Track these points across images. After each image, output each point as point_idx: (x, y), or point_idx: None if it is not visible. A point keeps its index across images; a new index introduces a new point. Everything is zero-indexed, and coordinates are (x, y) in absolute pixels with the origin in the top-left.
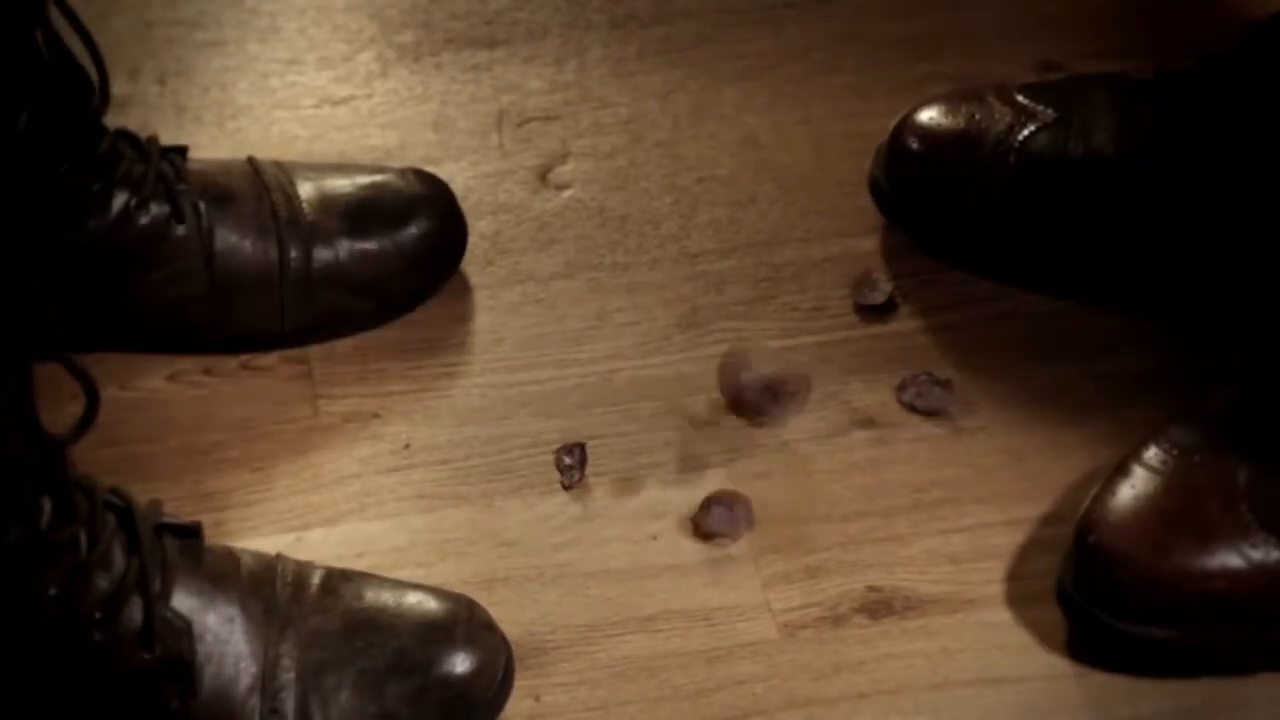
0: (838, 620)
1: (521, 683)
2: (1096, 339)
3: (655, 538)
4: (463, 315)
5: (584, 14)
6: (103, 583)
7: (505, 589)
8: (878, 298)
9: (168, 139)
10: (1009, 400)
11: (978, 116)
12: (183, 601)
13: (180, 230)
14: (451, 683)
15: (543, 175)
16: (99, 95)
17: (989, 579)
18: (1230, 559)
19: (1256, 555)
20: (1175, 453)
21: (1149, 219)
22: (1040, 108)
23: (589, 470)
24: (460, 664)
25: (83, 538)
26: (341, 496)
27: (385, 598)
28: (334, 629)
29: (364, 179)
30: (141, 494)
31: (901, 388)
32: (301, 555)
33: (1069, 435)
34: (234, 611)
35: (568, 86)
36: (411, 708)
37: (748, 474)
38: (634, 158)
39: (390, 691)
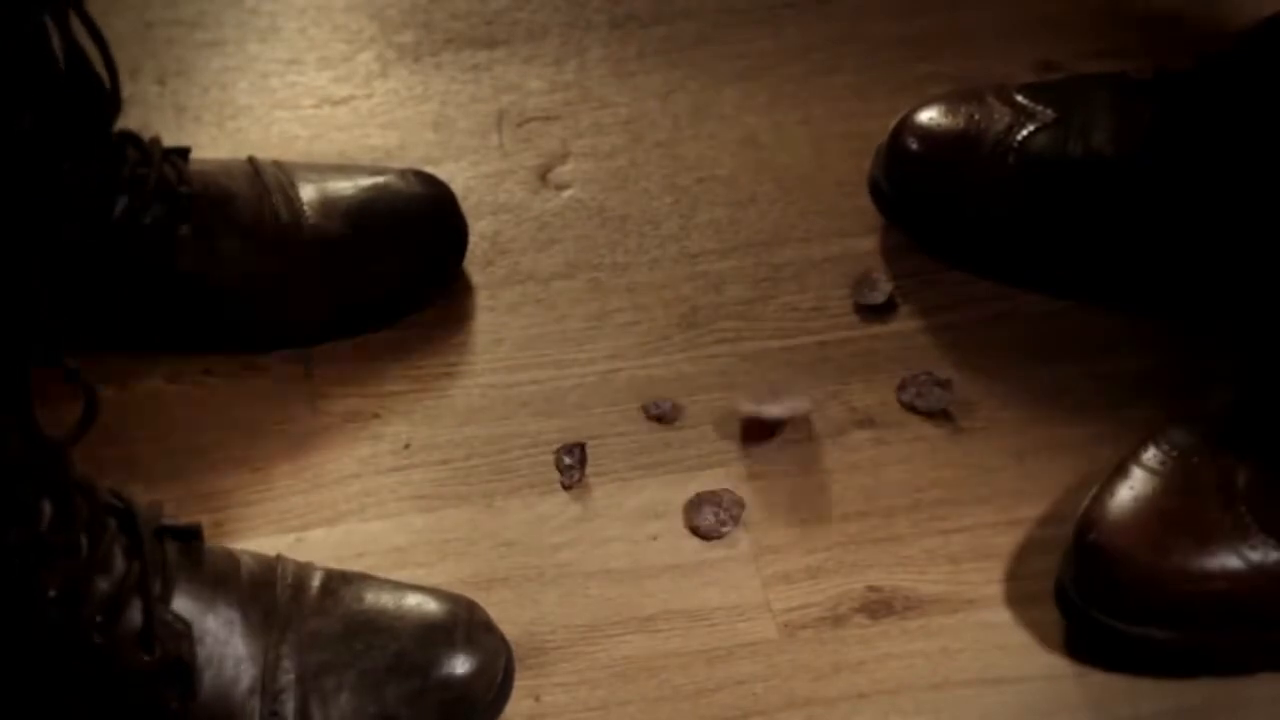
0: (838, 620)
1: (521, 683)
2: (1096, 339)
3: (655, 538)
4: (463, 315)
5: (584, 14)
6: (103, 585)
7: (505, 589)
8: (878, 298)
9: (168, 139)
10: (1009, 400)
11: (977, 117)
12: (183, 604)
13: (182, 232)
14: (451, 684)
15: (543, 175)
16: (109, 99)
17: (989, 579)
18: (1229, 560)
19: (1255, 556)
20: (1174, 454)
21: (1149, 219)
22: (1039, 108)
23: (589, 470)
24: (460, 665)
25: (83, 540)
26: (341, 496)
27: (385, 599)
28: (334, 631)
29: (365, 180)
30: (141, 494)
31: (901, 388)
32: (301, 555)
33: (1069, 435)
34: (234, 614)
35: (568, 86)
36: (411, 709)
37: (747, 474)
38: (634, 158)
39: (390, 693)
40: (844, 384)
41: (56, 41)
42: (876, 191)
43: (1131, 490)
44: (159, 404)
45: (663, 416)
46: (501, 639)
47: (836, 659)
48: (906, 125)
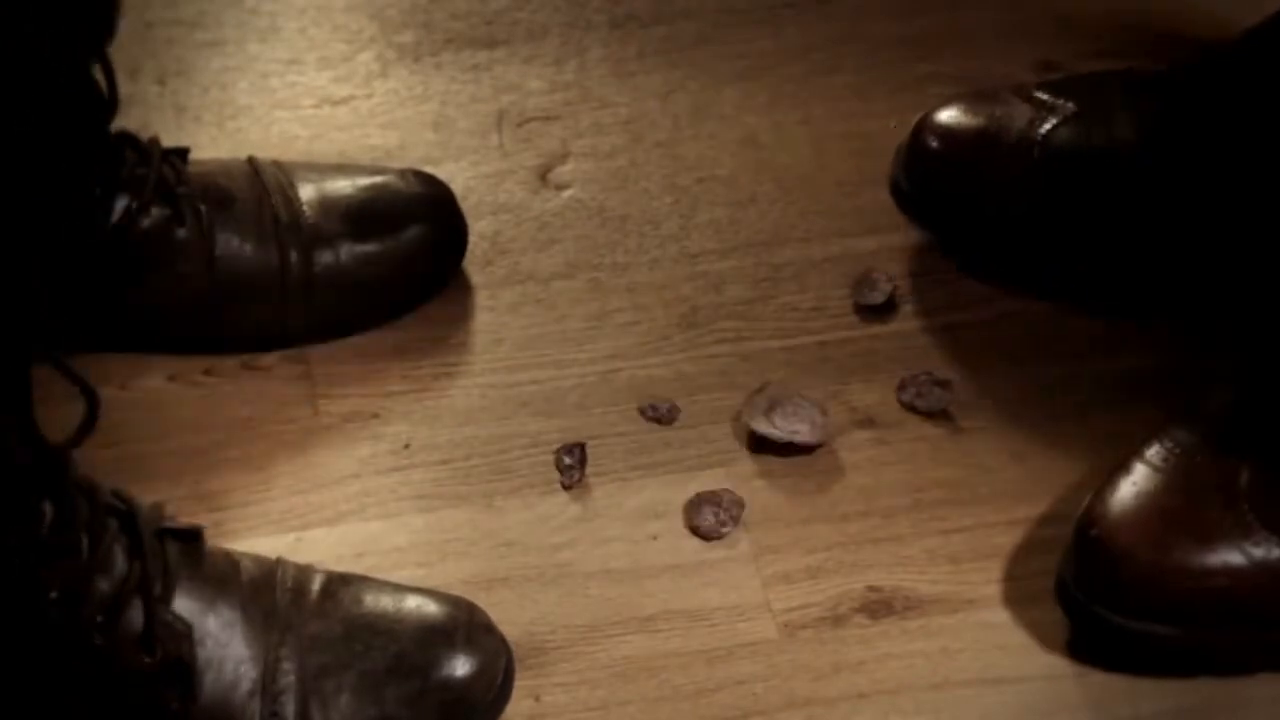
0: (838, 620)
1: (521, 683)
2: (1097, 339)
3: (655, 538)
4: (463, 315)
5: (584, 14)
6: (104, 586)
7: (505, 589)
8: (878, 298)
9: (168, 139)
10: (1009, 400)
11: (998, 114)
12: (184, 605)
13: (181, 233)
14: (451, 685)
15: (543, 175)
16: (107, 101)
17: (989, 579)
18: (1231, 557)
19: (1258, 553)
20: (1177, 451)
21: (1171, 211)
22: (1060, 101)
23: (589, 470)
24: (460, 667)
25: (84, 541)
26: (341, 496)
27: (385, 601)
28: (334, 633)
29: (364, 180)
30: (142, 494)
31: (901, 388)
32: (301, 555)
33: (1069, 435)
34: (234, 616)
35: (568, 86)
36: (412, 710)
37: (747, 474)
38: (634, 158)
39: (390, 695)
40: (844, 384)
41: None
42: (897, 191)
43: (1134, 487)
44: (159, 404)
45: (662, 417)
46: (501, 640)
47: (836, 659)
48: (927, 124)
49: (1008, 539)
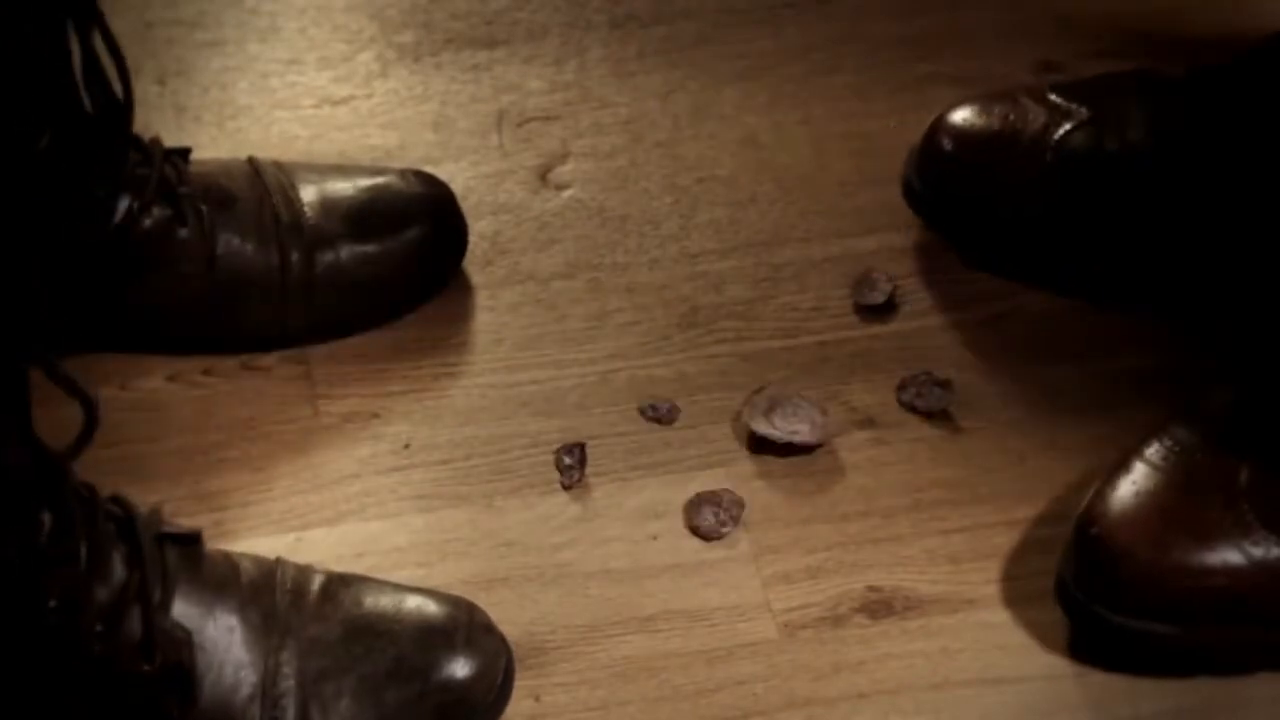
0: (838, 620)
1: (521, 683)
2: (1096, 339)
3: (655, 538)
4: (463, 315)
5: (584, 14)
6: (103, 594)
7: (505, 589)
8: (878, 298)
9: (168, 139)
10: (1009, 400)
11: (1011, 116)
12: (183, 611)
13: (183, 233)
14: (452, 687)
15: (543, 175)
16: (123, 109)
17: (989, 579)
18: (1231, 556)
19: (1258, 553)
20: (1177, 450)
21: (1183, 216)
22: (1074, 105)
23: (589, 470)
24: (460, 668)
25: (82, 548)
26: (341, 496)
27: (385, 603)
28: (334, 636)
29: (365, 181)
30: (141, 494)
31: (901, 388)
32: (301, 555)
33: (1069, 435)
34: (234, 620)
35: (568, 86)
36: (412, 713)
37: (747, 474)
38: (634, 158)
39: (390, 697)
40: (844, 384)
41: (75, 53)
42: (910, 192)
43: (1134, 486)
44: (159, 404)
45: (662, 417)
46: (501, 640)
47: (836, 659)
48: (941, 126)
49: (1008, 539)
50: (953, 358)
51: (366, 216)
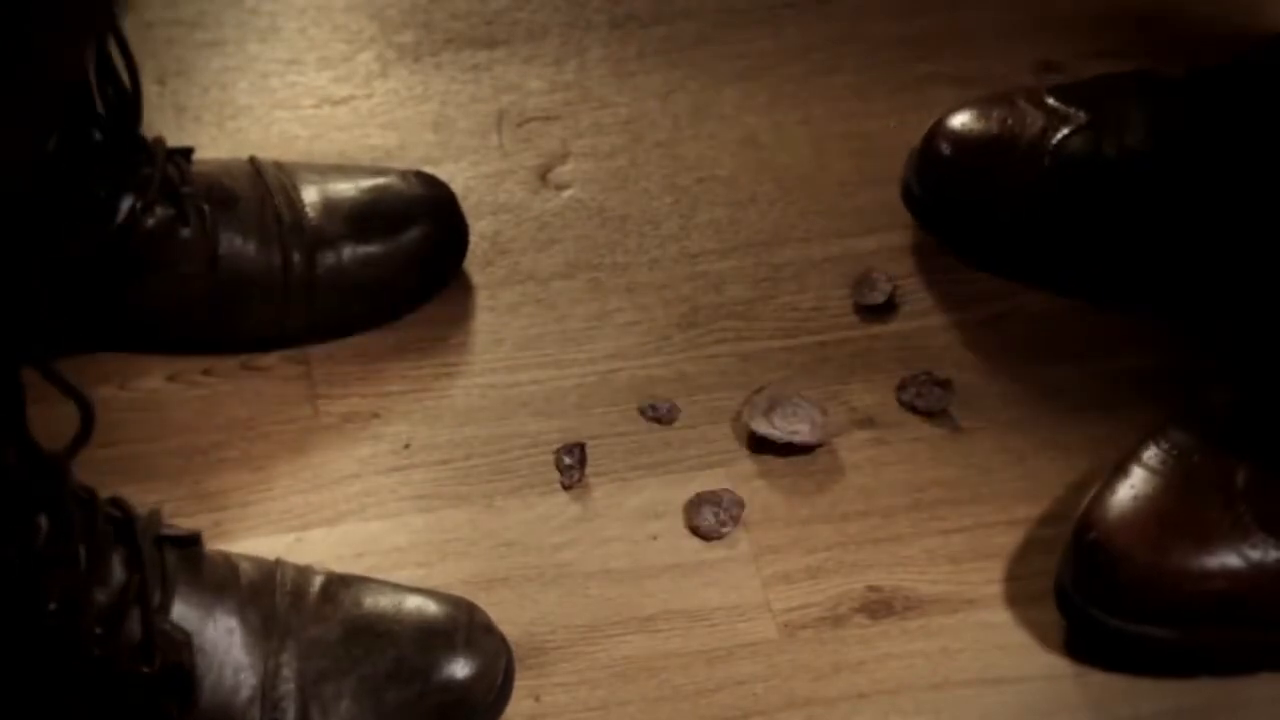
0: (838, 620)
1: (521, 683)
2: (1096, 339)
3: (655, 538)
4: (463, 315)
5: (584, 14)
6: (102, 596)
7: (505, 589)
8: (878, 298)
9: (168, 139)
10: (1009, 400)
11: (1010, 121)
12: (182, 613)
13: (185, 233)
14: (452, 688)
15: (543, 175)
16: (133, 111)
17: (989, 579)
18: (1229, 559)
19: (1255, 555)
20: (1174, 453)
21: (1183, 218)
22: (1072, 110)
23: (589, 470)
24: (460, 669)
25: (81, 551)
26: (341, 496)
27: (384, 604)
28: (333, 637)
29: (366, 182)
30: (141, 494)
31: (901, 388)
32: (301, 555)
33: (1069, 435)
34: (233, 622)
35: (568, 86)
36: (412, 713)
37: (748, 474)
38: (634, 158)
39: (390, 698)
40: (844, 384)
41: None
42: (909, 195)
43: (1131, 489)
44: (159, 404)
45: (662, 417)
46: (501, 640)
47: (836, 659)
48: (939, 131)
49: (1008, 539)
50: (953, 358)
51: (368, 217)
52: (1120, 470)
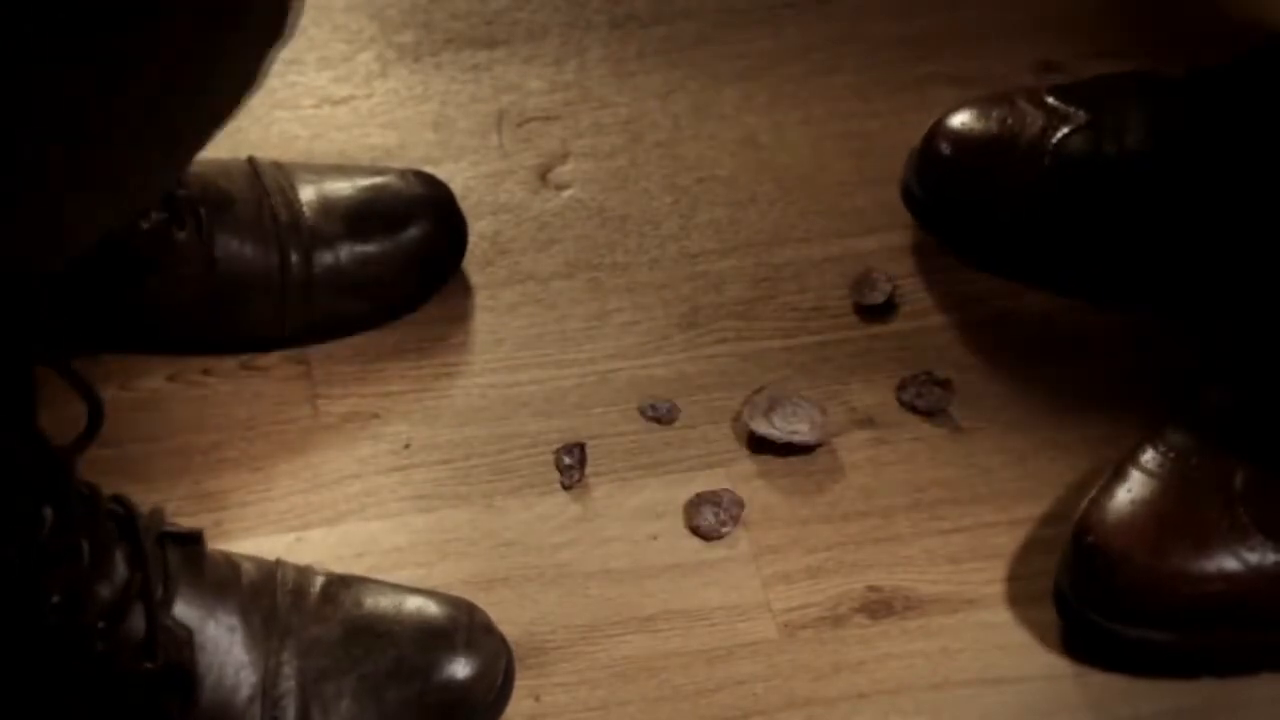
0: (838, 620)
1: (521, 683)
2: (1097, 339)
3: (655, 538)
4: (463, 315)
5: (584, 14)
6: (105, 592)
7: (505, 589)
8: (878, 298)
9: None
10: (1009, 400)
11: (1010, 121)
12: (184, 611)
13: (181, 235)
14: (452, 688)
15: (543, 175)
16: None
17: (989, 579)
18: (1227, 562)
19: (1253, 558)
20: (1172, 455)
21: (1183, 218)
22: (1072, 109)
23: (589, 470)
24: (461, 669)
25: (85, 546)
26: (341, 496)
27: (385, 604)
28: (334, 637)
29: (364, 181)
30: (142, 494)
31: (901, 388)
32: (301, 555)
33: (1069, 435)
34: (234, 620)
35: (568, 86)
36: (412, 713)
37: (748, 474)
38: (634, 158)
39: (391, 698)
40: (844, 384)
41: None
42: (909, 196)
43: (1129, 493)
44: (159, 404)
45: (662, 417)
46: (501, 641)
47: (836, 659)
48: (939, 131)
49: (1008, 539)
50: (953, 358)
51: (366, 217)
52: (1118, 473)
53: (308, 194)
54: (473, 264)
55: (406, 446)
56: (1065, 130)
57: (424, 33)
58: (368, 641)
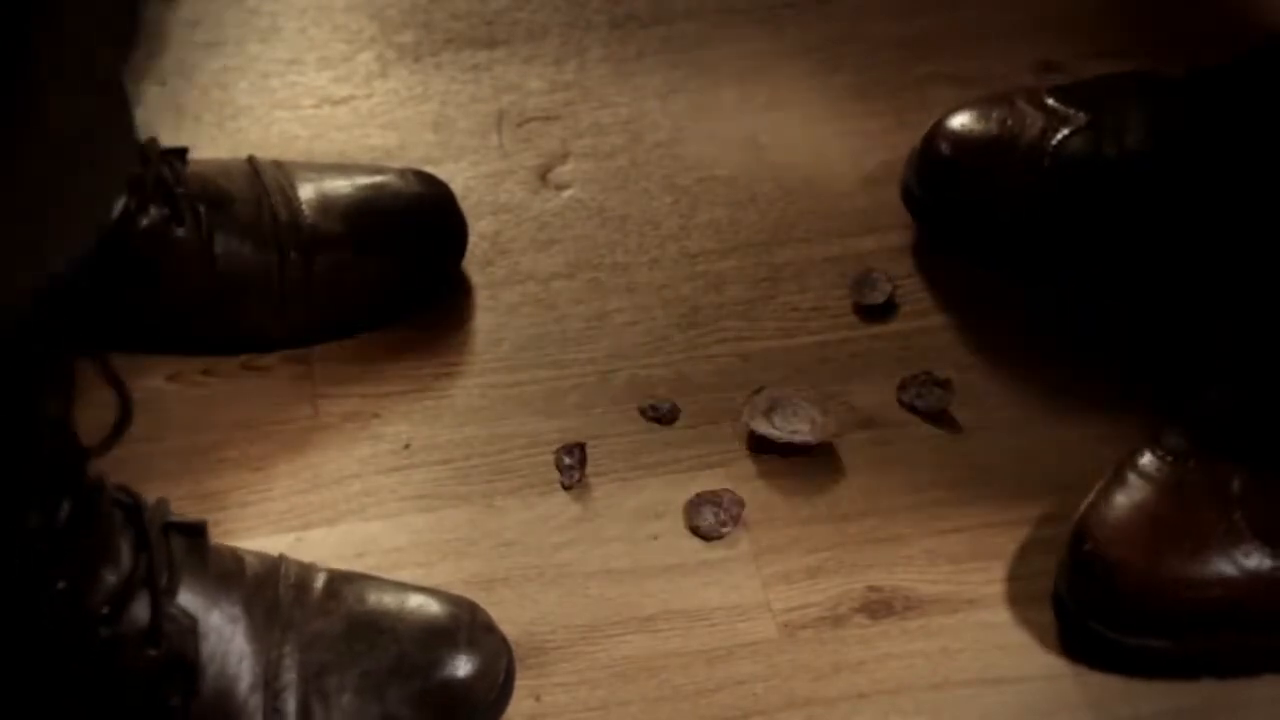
0: (838, 620)
1: (522, 683)
2: (1096, 339)
3: (655, 538)
4: (463, 315)
5: (584, 14)
6: (110, 578)
7: (505, 589)
8: (878, 298)
9: (168, 139)
10: (1009, 400)
11: (1009, 121)
12: (188, 600)
13: (180, 233)
14: (453, 686)
15: (543, 175)
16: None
17: (989, 579)
18: (1225, 566)
19: (1250, 563)
20: (1169, 459)
21: (1183, 219)
22: (1072, 111)
23: (589, 470)
24: (462, 667)
25: (92, 535)
26: (341, 496)
27: (387, 601)
28: (336, 631)
29: (364, 180)
30: (142, 494)
31: (901, 388)
32: (302, 555)
33: (1069, 435)
34: (237, 611)
35: (568, 86)
36: (413, 710)
37: (748, 474)
38: (634, 158)
39: (392, 694)
40: (844, 384)
41: None
42: (909, 196)
43: (1126, 498)
44: (159, 404)
45: (662, 417)
46: (502, 640)
47: (836, 659)
48: (938, 132)
49: (1008, 539)
50: (953, 358)
51: (365, 216)
52: (1115, 478)
53: (307, 193)
54: (473, 264)
55: (406, 446)
56: (1065, 131)
57: (424, 33)
58: (370, 637)
